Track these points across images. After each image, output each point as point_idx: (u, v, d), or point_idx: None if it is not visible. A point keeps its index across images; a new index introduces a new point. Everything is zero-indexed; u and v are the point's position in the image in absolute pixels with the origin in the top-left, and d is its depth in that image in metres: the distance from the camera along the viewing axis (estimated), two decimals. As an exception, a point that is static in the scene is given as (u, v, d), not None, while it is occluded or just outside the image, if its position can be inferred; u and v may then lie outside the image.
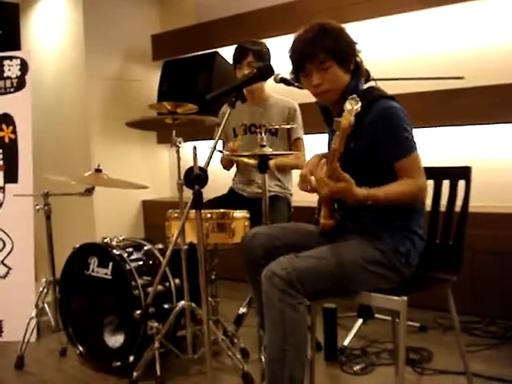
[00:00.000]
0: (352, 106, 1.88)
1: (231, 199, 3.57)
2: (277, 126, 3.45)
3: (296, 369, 2.02)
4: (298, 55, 2.26)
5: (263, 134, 2.88)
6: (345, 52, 2.23)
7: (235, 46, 3.54)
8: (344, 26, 2.28)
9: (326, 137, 2.48)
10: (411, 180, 2.10)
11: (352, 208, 2.25)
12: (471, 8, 3.78)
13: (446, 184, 2.45)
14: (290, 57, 2.30)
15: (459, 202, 2.40)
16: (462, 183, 2.39)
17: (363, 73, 2.33)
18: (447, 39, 3.96)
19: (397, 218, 2.20)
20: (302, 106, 3.57)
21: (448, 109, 3.78)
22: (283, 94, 3.57)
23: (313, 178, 2.14)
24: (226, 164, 3.73)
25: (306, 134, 3.64)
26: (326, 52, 2.19)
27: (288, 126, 3.45)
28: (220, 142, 3.78)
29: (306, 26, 2.26)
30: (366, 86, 2.36)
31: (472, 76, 3.46)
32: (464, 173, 2.39)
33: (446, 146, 3.99)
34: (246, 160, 3.29)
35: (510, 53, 3.68)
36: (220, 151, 3.54)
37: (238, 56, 3.47)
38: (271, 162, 3.13)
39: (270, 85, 3.37)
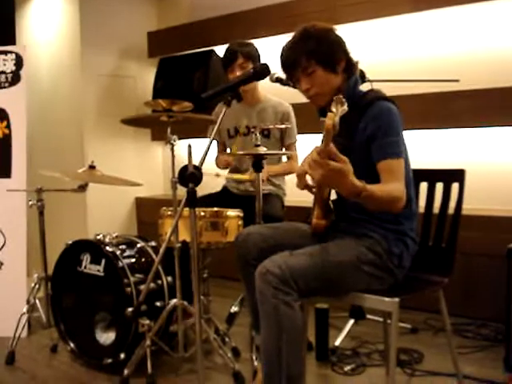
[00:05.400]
0: (337, 106, 1.87)
1: (225, 197, 3.57)
2: (271, 126, 3.45)
3: (293, 365, 2.02)
4: (284, 63, 2.30)
5: (257, 134, 2.88)
6: (328, 54, 2.22)
7: (224, 50, 3.52)
8: (337, 27, 2.29)
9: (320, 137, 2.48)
10: (396, 184, 2.07)
11: (344, 210, 2.25)
12: (467, 11, 3.79)
13: (439, 186, 2.46)
14: (280, 65, 2.33)
15: (452, 205, 2.41)
16: (455, 186, 2.40)
17: (356, 71, 2.32)
18: (443, 42, 3.97)
19: (389, 220, 2.21)
20: (297, 105, 3.57)
21: (443, 111, 3.78)
22: (279, 94, 3.57)
23: (308, 176, 2.13)
24: (222, 166, 3.73)
25: (300, 133, 3.65)
26: (306, 57, 2.20)
27: (282, 126, 3.44)
28: (214, 142, 3.77)
29: (295, 31, 2.27)
30: (362, 86, 2.35)
31: (467, 79, 3.48)
32: (458, 175, 2.40)
33: (440, 148, 4.00)
34: (240, 176, 3.31)
35: (504, 56, 3.69)
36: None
37: (229, 59, 3.45)
38: (263, 174, 3.15)
39: (266, 84, 3.37)
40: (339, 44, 2.26)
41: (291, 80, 2.33)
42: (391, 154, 2.12)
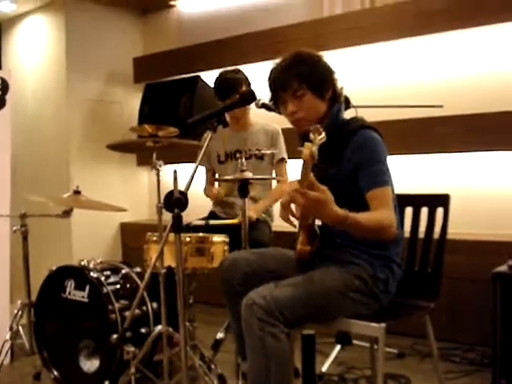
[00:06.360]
0: (315, 136, 1.88)
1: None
2: (256, 152, 3.49)
3: None
4: (273, 84, 2.30)
5: (243, 160, 2.89)
6: (319, 80, 2.24)
7: (221, 80, 3.52)
8: (323, 53, 2.31)
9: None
10: (386, 211, 2.08)
11: (329, 236, 2.25)
12: (451, 38, 3.85)
13: (424, 211, 2.47)
14: (268, 85, 2.33)
15: (437, 229, 2.41)
16: (440, 210, 2.42)
17: (342, 101, 2.35)
18: (427, 68, 4.02)
19: (374, 246, 2.20)
20: (283, 131, 3.60)
21: (427, 137, 3.82)
22: (265, 120, 3.59)
23: (293, 205, 2.13)
24: (212, 199, 3.73)
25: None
26: (299, 80, 2.21)
27: (268, 152, 3.47)
28: (203, 170, 3.78)
29: (283, 55, 2.29)
30: (346, 113, 2.37)
31: (450, 105, 3.52)
32: (442, 200, 2.41)
33: (424, 173, 4.03)
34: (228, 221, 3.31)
35: (488, 82, 3.74)
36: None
37: (231, 88, 3.42)
38: (251, 213, 3.18)
39: (253, 110, 3.40)
40: (330, 72, 2.29)
41: (277, 101, 2.32)
42: (378, 183, 2.13)
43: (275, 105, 2.35)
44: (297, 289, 2.07)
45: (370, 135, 2.19)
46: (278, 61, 2.30)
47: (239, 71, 3.54)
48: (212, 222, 3.15)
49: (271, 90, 2.32)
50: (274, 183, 3.76)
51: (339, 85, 2.32)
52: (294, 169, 3.67)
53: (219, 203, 3.74)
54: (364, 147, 2.17)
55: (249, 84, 3.50)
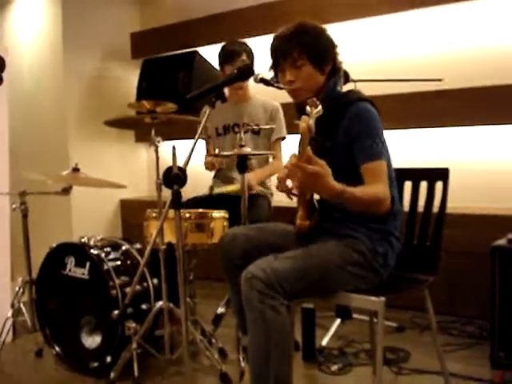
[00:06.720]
0: (311, 109, 1.88)
1: (212, 198, 3.56)
2: (255, 127, 3.48)
3: (281, 367, 2.02)
4: (274, 52, 2.30)
5: (242, 134, 2.88)
6: (320, 52, 2.24)
7: (224, 47, 3.53)
8: (325, 26, 2.30)
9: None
10: (381, 185, 2.09)
11: (328, 210, 2.25)
12: (450, 11, 3.82)
13: (423, 185, 2.47)
14: (270, 53, 2.33)
15: (437, 203, 2.42)
16: (439, 184, 2.42)
17: (340, 75, 2.34)
18: (427, 41, 3.99)
19: (373, 220, 2.20)
20: (282, 105, 3.58)
21: (426, 110, 3.81)
22: (263, 95, 3.58)
23: (289, 181, 2.14)
24: (210, 168, 3.73)
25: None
26: (299, 50, 2.21)
27: (267, 127, 3.47)
28: (203, 142, 3.77)
29: (288, 25, 2.28)
30: (344, 87, 2.36)
31: (450, 78, 3.50)
32: (442, 174, 2.41)
33: (423, 147, 4.02)
34: (229, 189, 3.33)
35: (487, 55, 3.72)
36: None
37: (231, 54, 3.45)
38: (251, 180, 3.21)
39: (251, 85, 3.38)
40: (332, 46, 2.28)
41: (276, 69, 2.32)
42: (372, 156, 2.12)
43: (275, 72, 2.35)
44: (296, 261, 2.08)
45: (365, 107, 2.19)
46: (281, 30, 2.29)
47: (246, 45, 3.53)
48: (216, 190, 3.16)
49: (272, 57, 2.32)
50: (271, 159, 3.75)
51: (340, 59, 2.31)
52: (291, 143, 3.67)
53: (219, 178, 3.73)
54: (360, 119, 2.16)
55: (251, 58, 3.49)
